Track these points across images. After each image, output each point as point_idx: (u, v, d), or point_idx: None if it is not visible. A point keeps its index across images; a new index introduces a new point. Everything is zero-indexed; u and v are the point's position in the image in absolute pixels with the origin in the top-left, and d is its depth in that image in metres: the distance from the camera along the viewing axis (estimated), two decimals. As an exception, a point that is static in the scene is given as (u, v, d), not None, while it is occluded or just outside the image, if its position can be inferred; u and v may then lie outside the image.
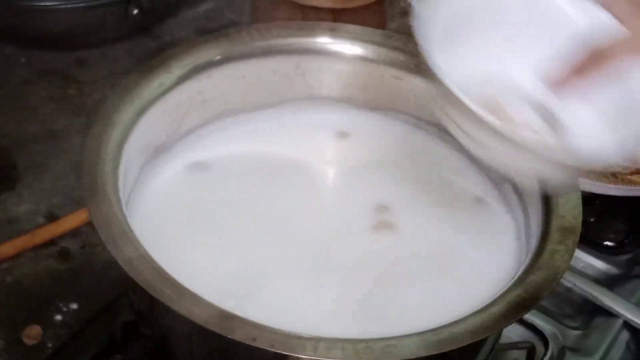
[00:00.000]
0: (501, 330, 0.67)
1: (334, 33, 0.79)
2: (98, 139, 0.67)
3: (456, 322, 0.58)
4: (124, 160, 0.67)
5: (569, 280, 0.84)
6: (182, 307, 0.56)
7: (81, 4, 1.00)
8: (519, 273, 0.63)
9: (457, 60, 0.62)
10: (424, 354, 0.56)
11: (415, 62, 0.78)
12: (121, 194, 0.64)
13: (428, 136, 0.80)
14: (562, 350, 0.80)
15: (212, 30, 1.10)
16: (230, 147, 0.78)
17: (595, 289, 0.83)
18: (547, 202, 0.68)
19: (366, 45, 0.79)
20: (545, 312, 0.82)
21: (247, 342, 0.55)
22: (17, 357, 0.75)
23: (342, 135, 0.80)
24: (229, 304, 0.57)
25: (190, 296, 0.57)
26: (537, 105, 0.64)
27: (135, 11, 1.02)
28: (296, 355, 0.55)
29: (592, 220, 0.91)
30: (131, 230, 0.61)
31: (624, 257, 0.90)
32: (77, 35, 1.05)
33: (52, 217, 0.87)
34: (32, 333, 0.77)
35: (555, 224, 0.66)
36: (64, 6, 1.00)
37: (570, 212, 0.66)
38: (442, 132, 0.79)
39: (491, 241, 0.72)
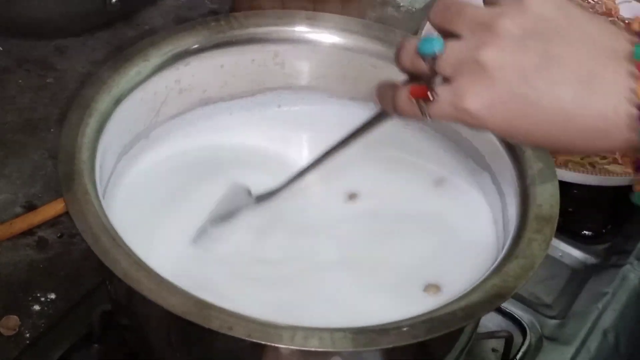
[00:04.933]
0: (479, 319, 0.67)
1: (312, 22, 0.79)
2: (75, 128, 0.66)
3: (433, 311, 0.59)
4: (101, 150, 0.67)
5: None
6: (159, 297, 0.56)
7: (60, -8, 1.00)
8: (496, 262, 0.63)
9: None
10: (401, 343, 0.56)
11: (394, 51, 0.78)
12: (98, 184, 0.64)
13: (408, 126, 0.80)
14: (540, 339, 0.80)
15: (192, 19, 1.10)
16: (208, 136, 0.78)
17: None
18: (525, 191, 0.68)
19: (345, 34, 0.79)
20: (523, 301, 0.82)
21: (224, 332, 0.55)
22: (-6, 347, 0.75)
23: (320, 125, 0.81)
24: (207, 295, 0.57)
25: (167, 286, 0.57)
26: None
27: (114, -1, 1.01)
28: (273, 344, 0.55)
29: (570, 209, 0.92)
30: (108, 220, 0.61)
31: (601, 247, 0.90)
32: (56, 23, 1.04)
33: (30, 207, 0.87)
34: (10, 323, 0.77)
35: (532, 212, 0.66)
36: (42, -7, 0.99)
37: (547, 201, 0.67)
38: (422, 123, 0.79)
39: (468, 229, 0.73)
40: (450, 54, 0.54)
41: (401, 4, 1.20)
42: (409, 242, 0.72)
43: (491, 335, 0.78)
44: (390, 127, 0.77)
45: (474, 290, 0.60)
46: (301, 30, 0.79)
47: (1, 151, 0.92)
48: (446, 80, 0.55)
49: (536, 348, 0.79)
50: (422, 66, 0.56)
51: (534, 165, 0.69)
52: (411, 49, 0.57)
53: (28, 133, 0.95)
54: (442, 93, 0.55)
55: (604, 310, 0.83)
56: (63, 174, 0.63)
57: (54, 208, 0.85)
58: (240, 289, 0.66)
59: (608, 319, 0.83)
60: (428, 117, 0.56)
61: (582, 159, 0.92)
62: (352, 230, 0.73)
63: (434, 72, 0.55)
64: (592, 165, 0.92)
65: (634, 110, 0.51)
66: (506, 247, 0.65)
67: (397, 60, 0.58)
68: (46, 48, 1.05)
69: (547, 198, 0.67)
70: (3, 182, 0.89)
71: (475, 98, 0.53)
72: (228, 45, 0.77)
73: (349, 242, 0.71)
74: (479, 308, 0.59)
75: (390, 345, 0.56)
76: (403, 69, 0.58)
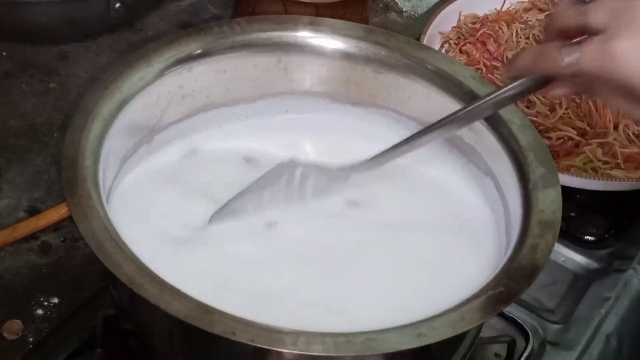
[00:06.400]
0: (482, 324, 0.67)
1: (315, 27, 0.79)
2: (78, 133, 0.66)
3: (436, 316, 0.59)
4: (104, 155, 0.67)
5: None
6: (162, 302, 0.56)
7: (63, -2, 1.00)
8: (499, 267, 0.63)
9: None
10: (403, 347, 0.57)
11: (396, 57, 0.78)
12: (101, 188, 0.64)
13: (409, 131, 0.80)
14: (543, 344, 0.80)
15: (195, 24, 1.10)
16: (210, 141, 0.78)
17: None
18: (527, 196, 0.68)
19: (347, 39, 0.79)
20: (526, 306, 0.82)
21: (227, 337, 0.55)
22: (-3, 351, 0.75)
23: (323, 130, 0.81)
24: (211, 299, 0.57)
25: (171, 290, 0.57)
26: None
27: (118, 5, 1.02)
28: (276, 349, 0.56)
29: (572, 214, 0.92)
30: (111, 224, 0.61)
31: (604, 252, 0.90)
32: (60, 28, 1.05)
33: (33, 211, 0.87)
34: (13, 328, 0.77)
35: (535, 218, 0.66)
36: (46, -1, 1.00)
37: (549, 206, 0.67)
38: (423, 127, 0.79)
39: (471, 236, 0.73)
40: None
41: (404, 9, 1.20)
42: (412, 247, 0.72)
43: (494, 340, 0.78)
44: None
45: (476, 295, 0.60)
46: (304, 35, 0.79)
47: (4, 156, 0.93)
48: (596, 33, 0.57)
49: (539, 353, 0.79)
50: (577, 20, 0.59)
51: (537, 170, 0.70)
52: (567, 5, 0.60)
53: (31, 138, 0.95)
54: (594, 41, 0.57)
55: (606, 315, 0.83)
56: (66, 179, 0.63)
57: (57, 212, 0.85)
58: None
59: (611, 324, 0.83)
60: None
61: (584, 164, 0.92)
62: (354, 238, 0.73)
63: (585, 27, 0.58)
64: (595, 170, 0.91)
65: None
66: (509, 252, 0.65)
67: (555, 20, 0.61)
68: (49, 53, 1.05)
69: (549, 203, 0.67)
70: (6, 186, 0.90)
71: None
72: (231, 51, 0.77)
73: (353, 249, 0.72)
74: (482, 313, 0.59)
75: (393, 350, 0.57)
76: (558, 27, 0.61)
